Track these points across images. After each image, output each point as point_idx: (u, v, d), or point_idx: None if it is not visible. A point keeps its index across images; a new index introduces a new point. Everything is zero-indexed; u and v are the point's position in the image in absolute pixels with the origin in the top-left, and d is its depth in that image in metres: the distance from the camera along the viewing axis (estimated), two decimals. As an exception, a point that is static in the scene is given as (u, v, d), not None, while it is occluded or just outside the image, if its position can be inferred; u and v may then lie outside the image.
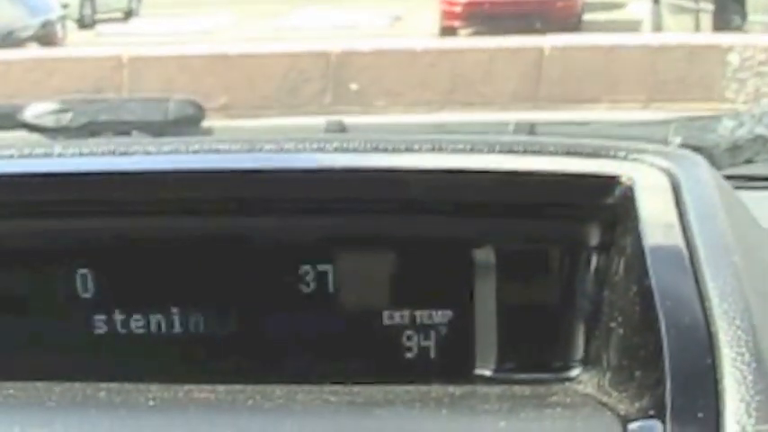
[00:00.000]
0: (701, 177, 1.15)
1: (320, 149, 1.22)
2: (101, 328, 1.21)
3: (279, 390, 1.08)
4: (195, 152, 1.22)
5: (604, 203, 1.15)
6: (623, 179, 1.14)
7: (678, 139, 1.48)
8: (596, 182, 1.15)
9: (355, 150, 1.22)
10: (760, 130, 1.51)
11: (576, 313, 1.17)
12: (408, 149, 1.21)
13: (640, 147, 1.21)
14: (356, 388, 1.09)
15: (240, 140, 1.24)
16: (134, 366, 1.19)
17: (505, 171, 1.18)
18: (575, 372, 1.15)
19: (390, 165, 1.20)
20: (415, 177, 1.19)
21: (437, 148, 1.20)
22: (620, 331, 1.06)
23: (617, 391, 1.02)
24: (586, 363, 1.14)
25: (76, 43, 11.31)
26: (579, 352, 1.15)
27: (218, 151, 1.22)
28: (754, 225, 1.22)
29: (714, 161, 1.46)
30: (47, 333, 1.21)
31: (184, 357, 1.20)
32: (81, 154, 1.23)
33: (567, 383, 1.13)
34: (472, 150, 1.20)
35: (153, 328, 1.21)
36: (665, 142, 1.46)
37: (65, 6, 11.94)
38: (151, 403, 1.05)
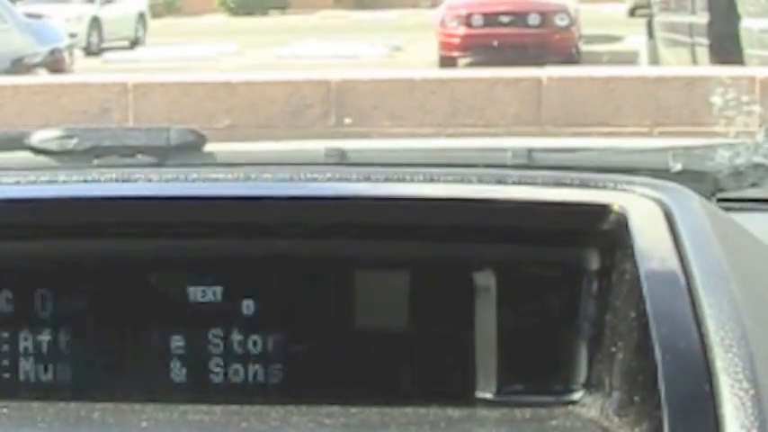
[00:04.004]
0: (692, 207, 1.16)
1: (314, 179, 1.24)
2: (103, 346, 1.21)
3: (274, 411, 1.09)
4: (194, 180, 1.24)
5: (599, 230, 1.16)
6: (615, 207, 1.15)
7: (679, 166, 1.50)
8: (589, 209, 1.17)
9: (348, 180, 1.24)
10: (758, 159, 1.53)
11: (578, 337, 1.17)
12: (400, 180, 1.23)
13: (628, 178, 1.23)
14: (353, 410, 1.09)
15: (238, 171, 1.26)
16: (131, 385, 1.19)
17: (498, 199, 1.19)
18: (577, 395, 1.15)
19: (383, 193, 1.22)
20: (406, 205, 1.21)
21: (428, 179, 1.22)
22: (621, 356, 1.06)
23: (618, 416, 1.02)
24: (589, 386, 1.14)
25: (83, 70, 11.38)
26: (582, 375, 1.15)
27: (216, 180, 1.24)
28: (755, 252, 1.23)
29: (719, 185, 1.47)
30: (45, 351, 1.22)
31: (182, 377, 1.21)
32: (86, 180, 1.25)
33: (569, 407, 1.13)
34: (462, 181, 1.22)
35: (152, 347, 1.21)
36: (666, 169, 1.49)
37: (73, 35, 12.04)
38: (144, 424, 1.06)
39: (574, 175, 1.25)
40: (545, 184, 1.22)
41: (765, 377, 0.93)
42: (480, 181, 1.22)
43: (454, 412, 1.11)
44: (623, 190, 1.19)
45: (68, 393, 1.17)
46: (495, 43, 12.79)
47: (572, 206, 1.19)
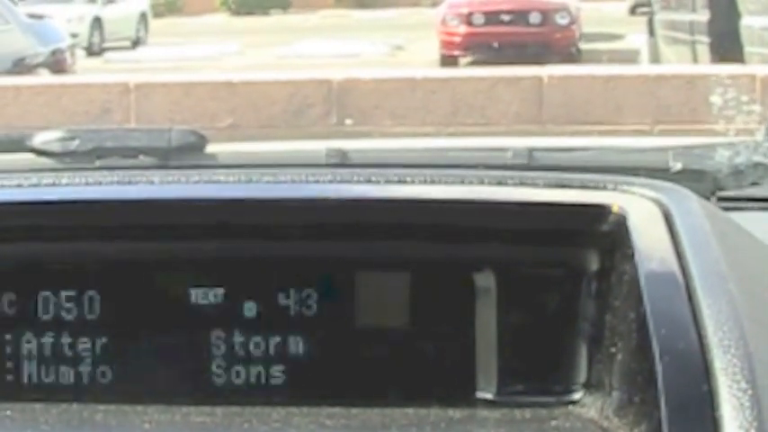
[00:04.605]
0: (691, 207, 1.17)
1: (315, 181, 1.24)
2: (105, 348, 1.22)
3: (276, 413, 1.09)
4: (196, 182, 1.25)
5: (599, 231, 1.17)
6: (615, 208, 1.16)
7: (679, 165, 1.51)
8: (588, 210, 1.17)
9: (348, 182, 1.24)
10: (758, 158, 1.54)
11: (577, 337, 1.17)
12: (401, 181, 1.23)
13: (628, 179, 1.23)
14: (354, 410, 1.10)
15: (238, 172, 1.27)
16: (133, 387, 1.19)
17: (499, 201, 1.20)
18: (577, 395, 1.15)
19: (384, 195, 1.22)
20: (406, 206, 1.21)
21: (429, 181, 1.23)
22: (620, 356, 1.07)
23: (618, 417, 1.03)
24: (589, 386, 1.14)
25: (85, 70, 11.40)
26: (581, 376, 1.16)
27: (217, 182, 1.25)
28: (754, 252, 1.23)
29: (719, 184, 1.48)
30: (48, 353, 1.22)
31: (184, 378, 1.21)
32: (87, 183, 1.26)
33: (569, 407, 1.14)
34: (462, 182, 1.23)
35: (154, 348, 1.21)
36: (666, 168, 1.50)
37: (74, 35, 12.05)
38: (147, 426, 1.06)
39: (573, 176, 1.26)
40: (545, 185, 1.22)
41: (764, 378, 0.93)
42: (480, 182, 1.23)
43: (455, 413, 1.12)
44: (622, 191, 1.20)
45: (71, 395, 1.17)
46: (496, 42, 12.80)
47: (571, 207, 1.19)
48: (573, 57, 12.74)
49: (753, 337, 0.97)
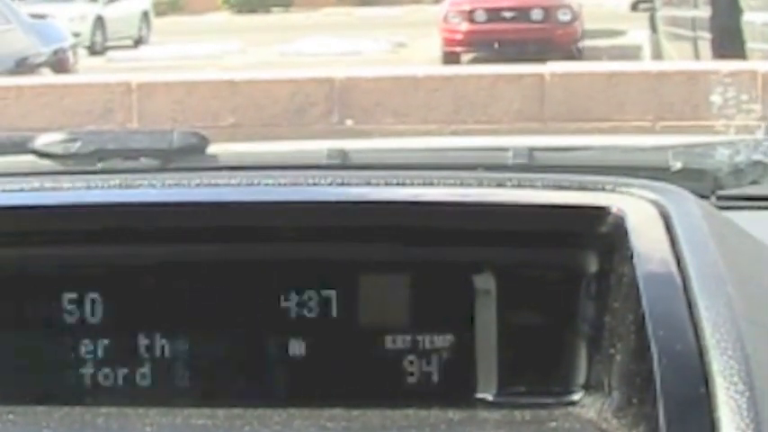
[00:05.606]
0: (690, 209, 1.17)
1: (315, 184, 1.25)
2: (107, 352, 1.22)
3: (277, 415, 1.10)
4: (197, 185, 1.25)
5: (597, 232, 1.17)
6: (613, 209, 1.16)
7: (679, 164, 1.52)
8: (587, 212, 1.18)
9: (349, 184, 1.25)
10: (758, 156, 1.54)
11: (577, 338, 1.17)
12: (401, 184, 1.24)
13: (626, 181, 1.24)
14: (355, 412, 1.11)
15: (239, 175, 1.28)
16: (135, 390, 1.20)
17: (498, 203, 1.21)
18: (576, 396, 1.16)
19: (384, 197, 1.23)
20: (406, 209, 1.22)
21: (429, 183, 1.23)
22: (619, 357, 1.07)
23: (616, 418, 1.04)
24: (588, 387, 1.15)
25: (87, 69, 11.42)
26: (581, 377, 1.16)
27: (219, 185, 1.26)
28: (752, 252, 1.23)
29: (719, 183, 1.48)
30: (51, 357, 1.22)
31: (185, 381, 1.21)
32: (89, 187, 1.26)
33: (569, 408, 1.14)
34: (462, 185, 1.23)
35: (157, 352, 1.21)
36: (666, 167, 1.50)
37: (76, 35, 12.07)
38: (149, 429, 1.07)
39: (572, 177, 1.27)
40: (544, 187, 1.23)
41: (761, 380, 0.93)
42: (480, 184, 1.24)
43: (455, 414, 1.12)
44: (621, 192, 1.20)
45: (73, 398, 1.18)
46: (498, 39, 12.81)
47: (570, 209, 1.20)
48: (575, 54, 12.74)
49: (750, 339, 0.97)
